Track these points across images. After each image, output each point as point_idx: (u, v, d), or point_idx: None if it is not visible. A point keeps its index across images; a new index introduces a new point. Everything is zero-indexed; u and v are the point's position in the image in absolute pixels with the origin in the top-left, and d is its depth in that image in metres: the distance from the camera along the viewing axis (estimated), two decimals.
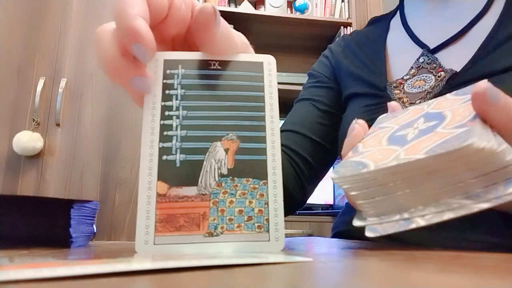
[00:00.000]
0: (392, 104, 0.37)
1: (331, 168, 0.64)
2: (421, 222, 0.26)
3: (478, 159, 0.24)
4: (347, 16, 2.02)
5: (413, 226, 0.26)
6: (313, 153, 0.60)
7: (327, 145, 0.61)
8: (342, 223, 0.58)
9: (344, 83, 0.62)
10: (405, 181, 0.26)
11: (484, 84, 0.26)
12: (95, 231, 0.40)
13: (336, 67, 0.64)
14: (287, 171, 0.56)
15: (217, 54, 0.29)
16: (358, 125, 0.35)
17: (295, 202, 0.60)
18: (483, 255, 0.26)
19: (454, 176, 0.25)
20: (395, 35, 0.61)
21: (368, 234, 0.28)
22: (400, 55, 0.58)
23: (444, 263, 0.22)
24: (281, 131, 0.62)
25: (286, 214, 0.59)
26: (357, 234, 0.50)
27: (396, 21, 0.63)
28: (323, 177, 0.64)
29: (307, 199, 0.62)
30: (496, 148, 0.23)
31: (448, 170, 0.24)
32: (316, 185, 0.63)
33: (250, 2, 2.03)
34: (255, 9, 2.05)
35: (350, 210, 0.57)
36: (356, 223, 0.29)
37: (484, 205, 0.24)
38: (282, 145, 0.59)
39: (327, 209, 1.84)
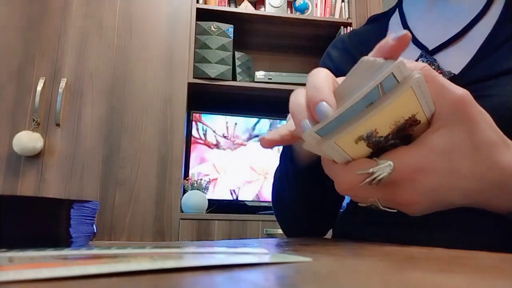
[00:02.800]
0: None
1: None
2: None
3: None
4: (347, 16, 2.02)
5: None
6: None
7: None
8: (342, 223, 0.58)
9: None
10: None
11: None
12: (95, 231, 0.40)
13: (336, 75, 0.64)
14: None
15: None
16: None
17: (331, 210, 0.60)
18: (483, 255, 0.26)
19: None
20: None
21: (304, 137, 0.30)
22: None
23: (444, 263, 0.22)
24: None
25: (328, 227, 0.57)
26: (357, 235, 0.50)
27: (395, 20, 0.62)
28: None
29: (340, 205, 0.62)
30: None
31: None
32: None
33: (250, 2, 2.03)
34: (255, 9, 2.05)
35: (350, 211, 0.57)
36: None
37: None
38: None
39: None
